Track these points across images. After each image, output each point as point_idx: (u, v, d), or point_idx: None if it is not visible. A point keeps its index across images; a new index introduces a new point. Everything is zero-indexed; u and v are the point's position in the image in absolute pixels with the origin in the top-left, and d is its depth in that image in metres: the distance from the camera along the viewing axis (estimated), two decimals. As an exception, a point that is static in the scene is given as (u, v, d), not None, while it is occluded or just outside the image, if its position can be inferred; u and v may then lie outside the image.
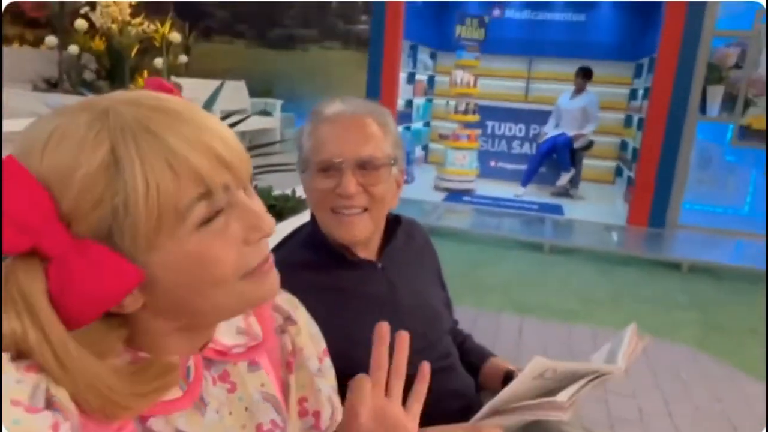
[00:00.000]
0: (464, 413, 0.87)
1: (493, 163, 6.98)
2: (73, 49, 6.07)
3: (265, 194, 2.48)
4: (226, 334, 0.57)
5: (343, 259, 0.94)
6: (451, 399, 0.90)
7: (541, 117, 6.60)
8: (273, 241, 1.01)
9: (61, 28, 6.34)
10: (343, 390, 0.83)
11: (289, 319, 0.65)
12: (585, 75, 5.96)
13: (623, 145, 6.80)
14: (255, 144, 3.34)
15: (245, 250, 0.47)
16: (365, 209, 0.90)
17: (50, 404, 0.40)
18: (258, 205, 0.49)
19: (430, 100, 7.56)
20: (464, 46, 5.97)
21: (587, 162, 6.50)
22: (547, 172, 6.33)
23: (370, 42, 5.69)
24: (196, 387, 0.52)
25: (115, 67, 6.60)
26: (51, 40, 5.99)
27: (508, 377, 1.01)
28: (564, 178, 6.19)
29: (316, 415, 0.65)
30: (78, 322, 0.42)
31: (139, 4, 6.94)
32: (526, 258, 4.30)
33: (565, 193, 6.21)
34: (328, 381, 0.68)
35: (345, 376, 0.85)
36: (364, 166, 0.89)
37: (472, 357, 1.07)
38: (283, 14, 8.99)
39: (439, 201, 5.65)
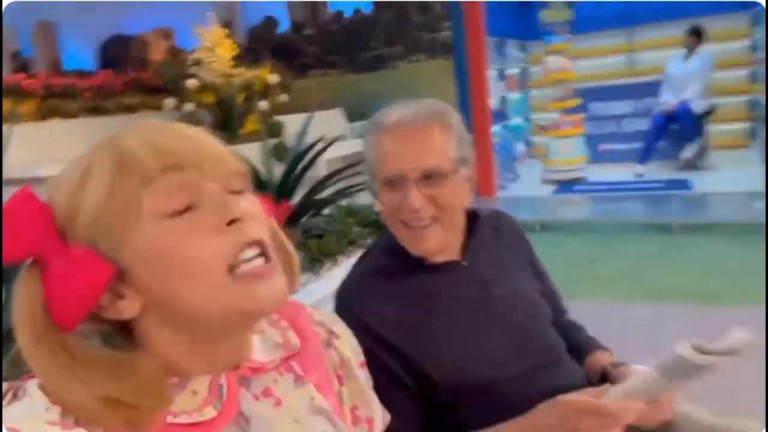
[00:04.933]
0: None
1: (603, 147, 6.55)
2: (189, 106, 6.69)
3: (366, 210, 2.53)
4: (262, 352, 0.58)
5: (422, 264, 0.91)
6: (558, 395, 0.84)
7: (650, 89, 6.09)
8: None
9: (176, 90, 7.03)
10: (426, 394, 0.81)
11: (331, 333, 0.66)
12: (697, 34, 5.42)
13: (754, 104, 6.06)
14: (350, 164, 3.44)
15: (220, 237, 0.48)
16: (435, 219, 0.87)
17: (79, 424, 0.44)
18: (237, 204, 0.49)
19: (525, 93, 7.32)
20: (553, 30, 5.71)
21: (714, 128, 5.86)
22: (668, 146, 5.80)
23: (453, 46, 5.64)
24: (231, 405, 0.52)
25: (226, 116, 7.17)
26: (169, 102, 6.66)
27: (604, 375, 0.92)
28: (690, 150, 5.63)
29: (369, 422, 0.66)
30: (65, 323, 0.46)
31: (239, 54, 7.50)
32: (653, 241, 3.96)
33: (692, 166, 5.64)
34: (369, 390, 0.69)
35: (444, 382, 0.82)
36: (430, 177, 0.85)
37: (576, 352, 0.98)
38: (368, 37, 9.24)
39: (548, 194, 5.41)
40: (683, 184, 5.13)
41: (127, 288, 0.48)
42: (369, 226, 2.55)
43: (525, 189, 5.44)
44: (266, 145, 3.05)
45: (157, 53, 10.24)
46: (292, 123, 6.13)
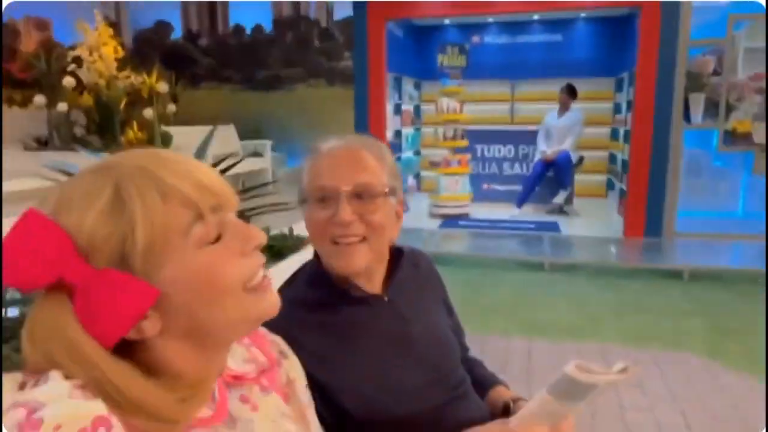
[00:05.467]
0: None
1: (485, 186, 7.03)
2: (62, 106, 6.13)
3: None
4: (234, 364, 0.64)
5: (349, 295, 0.93)
6: (466, 428, 0.89)
7: (528, 137, 6.69)
8: (277, 280, 1.01)
9: (48, 87, 6.41)
10: (345, 427, 0.82)
11: (281, 353, 0.73)
12: (570, 92, 6.06)
13: (612, 158, 6.87)
14: (248, 186, 3.35)
15: (243, 262, 0.55)
16: (363, 238, 0.90)
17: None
18: (256, 229, 0.57)
19: (418, 129, 7.65)
20: (447, 73, 6.07)
21: (579, 177, 6.55)
22: (540, 191, 6.37)
23: (354, 77, 5.78)
24: (223, 406, 0.59)
25: (105, 120, 6.65)
26: (39, 99, 6.05)
27: (506, 409, 0.99)
28: (561, 196, 6.22)
29: None
30: (104, 344, 0.48)
31: (125, 57, 7.04)
32: (528, 277, 4.29)
33: (560, 210, 6.24)
34: (312, 413, 0.74)
35: (359, 414, 0.84)
36: (360, 194, 0.89)
37: (479, 386, 1.05)
38: (267, 56, 9.14)
39: (435, 228, 5.66)
40: (553, 226, 5.65)
41: (151, 309, 0.51)
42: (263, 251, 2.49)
43: (413, 221, 5.64)
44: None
45: (30, 44, 9.30)
46: (179, 135, 5.85)
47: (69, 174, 1.56)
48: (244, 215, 2.57)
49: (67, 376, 0.47)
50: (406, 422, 0.87)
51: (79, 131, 6.74)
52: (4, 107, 6.73)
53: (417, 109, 7.56)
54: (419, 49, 7.20)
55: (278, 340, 0.74)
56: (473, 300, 3.76)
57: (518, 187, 6.50)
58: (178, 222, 0.51)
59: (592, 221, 5.86)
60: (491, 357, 2.79)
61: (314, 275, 0.95)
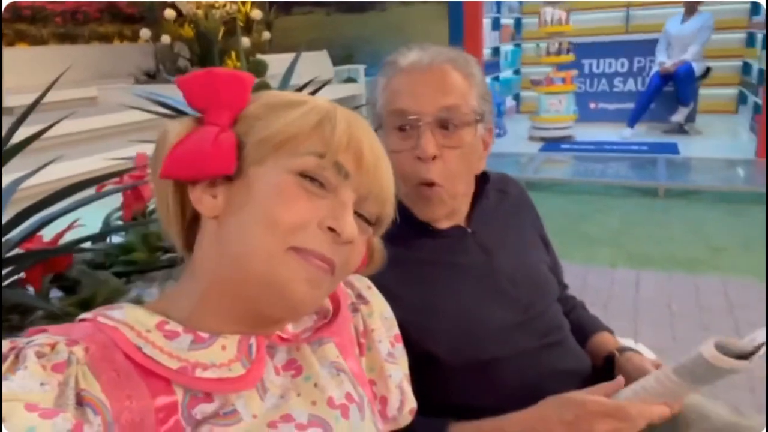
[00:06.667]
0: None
1: (593, 105, 6.45)
2: (165, 39, 6.34)
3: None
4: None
5: (427, 229, 0.84)
6: (563, 379, 0.78)
7: (645, 47, 5.96)
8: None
9: (153, 21, 6.64)
10: (424, 370, 0.75)
11: (360, 297, 0.64)
12: (698, -6, 5.26)
13: (746, 68, 5.98)
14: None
15: (311, 228, 0.48)
16: (440, 186, 0.79)
17: (80, 400, 0.42)
18: (352, 226, 0.49)
19: (518, 45, 7.11)
20: (552, -21, 5.49)
21: (703, 92, 5.80)
22: (657, 108, 5.73)
23: (449, -10, 5.39)
24: (259, 369, 0.50)
25: (205, 51, 6.83)
26: (145, 32, 6.29)
27: (609, 360, 0.87)
28: (681, 113, 5.57)
29: (383, 401, 0.62)
30: (173, 174, 0.48)
31: (221, -15, 7.07)
32: (638, 205, 3.95)
33: (679, 129, 5.60)
34: (400, 368, 0.64)
35: (439, 355, 0.76)
36: (446, 122, 0.77)
37: (577, 331, 0.92)
38: (359, -25, 8.79)
39: (535, 152, 5.34)
40: (670, 147, 5.10)
41: (220, 193, 0.50)
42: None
43: (511, 145, 5.35)
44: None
45: (133, -21, 9.64)
46: (274, 63, 5.87)
47: (166, 105, 1.55)
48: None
49: (39, 355, 0.43)
50: (492, 366, 0.79)
51: (182, 63, 7.01)
52: (116, 42, 7.11)
53: (518, 22, 6.99)
54: (521, -46, 6.55)
55: (357, 282, 0.65)
56: (574, 229, 3.52)
57: (631, 106, 5.89)
58: (305, 145, 0.49)
59: (718, 141, 5.22)
60: (593, 291, 2.64)
61: None
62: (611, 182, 4.36)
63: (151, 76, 6.77)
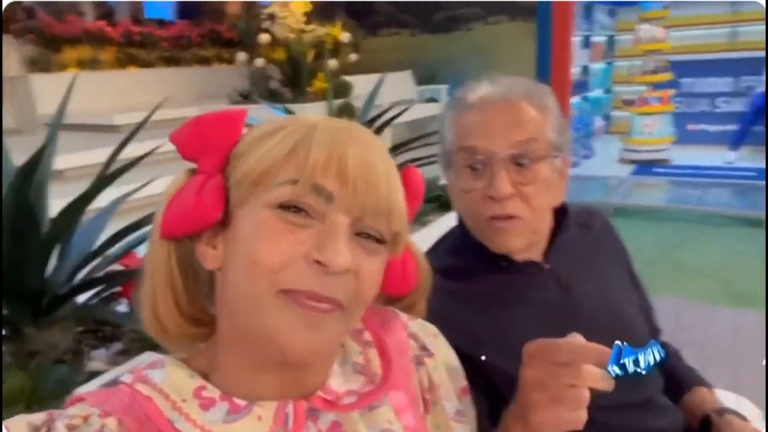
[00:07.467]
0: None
1: (691, 127, 6.05)
2: (259, 62, 6.68)
3: (430, 184, 2.42)
4: (340, 376, 0.52)
5: (500, 263, 0.80)
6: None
7: (753, 65, 5.53)
8: (428, 240, 0.91)
9: (249, 44, 7.03)
10: (497, 414, 0.70)
11: (425, 349, 0.58)
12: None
13: None
14: (422, 134, 3.31)
15: (297, 265, 0.43)
16: (520, 218, 0.75)
17: None
18: (343, 253, 0.44)
19: (610, 63, 6.84)
20: (649, -5, 5.25)
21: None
22: (761, 130, 5.28)
23: (537, 7, 5.30)
24: None
25: (295, 73, 7.14)
26: (241, 55, 6.67)
27: (705, 422, 0.78)
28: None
29: None
30: (170, 232, 0.47)
31: (314, 11, 7.39)
32: (740, 235, 3.64)
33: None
34: (468, 425, 0.58)
35: (507, 395, 0.72)
36: (520, 158, 0.74)
37: (672, 385, 0.84)
38: (445, -4, 8.86)
39: (625, 175, 5.07)
40: (780, 174, 4.67)
41: (219, 242, 0.48)
42: (430, 201, 2.44)
43: (599, 168, 5.12)
44: (332, 104, 2.95)
45: (233, 6, 10.29)
46: (360, 83, 6.02)
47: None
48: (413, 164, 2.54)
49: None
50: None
51: (273, 84, 7.36)
52: (215, 65, 7.59)
53: (610, 39, 6.73)
54: (615, -30, 6.33)
55: (421, 331, 0.59)
56: (668, 259, 3.30)
57: (734, 127, 5.47)
58: (279, 176, 0.45)
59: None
60: (687, 329, 2.44)
61: (460, 241, 0.83)
62: (710, 210, 4.05)
63: (245, 97, 7.17)
